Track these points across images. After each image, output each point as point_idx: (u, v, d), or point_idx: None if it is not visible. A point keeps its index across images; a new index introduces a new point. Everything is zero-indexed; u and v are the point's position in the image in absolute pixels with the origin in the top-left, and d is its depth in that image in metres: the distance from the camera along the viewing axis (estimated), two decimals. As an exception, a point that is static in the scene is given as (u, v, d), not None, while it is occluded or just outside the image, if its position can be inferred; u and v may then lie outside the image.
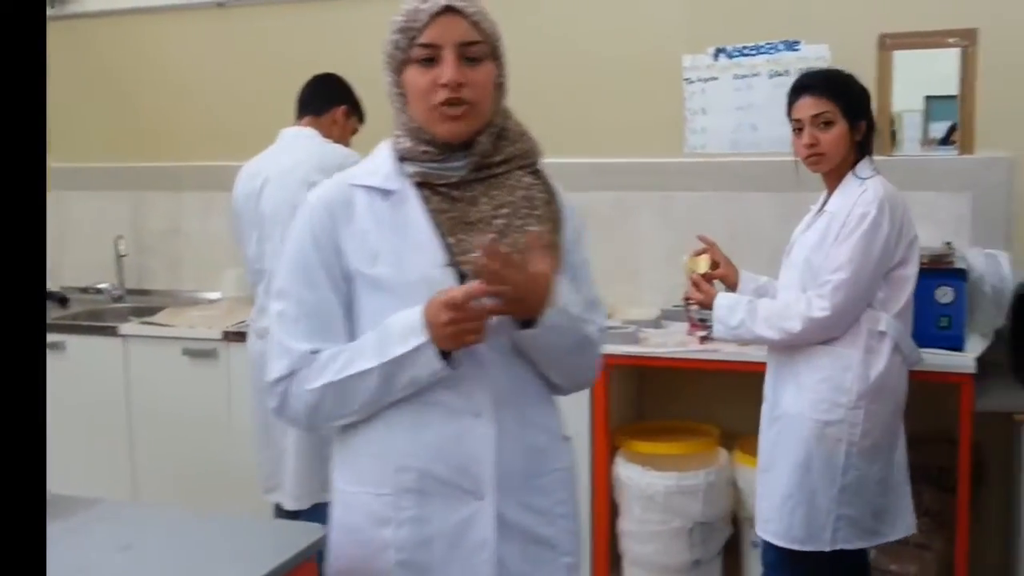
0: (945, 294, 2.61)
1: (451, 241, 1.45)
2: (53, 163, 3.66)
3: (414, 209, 1.48)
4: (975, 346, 2.66)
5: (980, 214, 2.93)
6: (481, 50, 1.46)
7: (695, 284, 2.46)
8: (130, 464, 3.45)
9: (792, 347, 2.30)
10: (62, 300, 3.88)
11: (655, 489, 2.88)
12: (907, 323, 2.31)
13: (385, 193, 1.49)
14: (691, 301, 2.53)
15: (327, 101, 2.89)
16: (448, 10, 1.44)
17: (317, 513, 2.27)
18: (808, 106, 2.29)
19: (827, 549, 2.27)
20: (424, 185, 1.48)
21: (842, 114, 2.27)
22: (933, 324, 2.56)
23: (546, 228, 1.49)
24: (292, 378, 1.48)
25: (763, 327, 2.30)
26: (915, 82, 3.01)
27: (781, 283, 2.42)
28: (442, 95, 1.43)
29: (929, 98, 3.03)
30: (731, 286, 2.49)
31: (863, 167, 2.30)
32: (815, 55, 3.06)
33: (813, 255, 2.28)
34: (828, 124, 2.27)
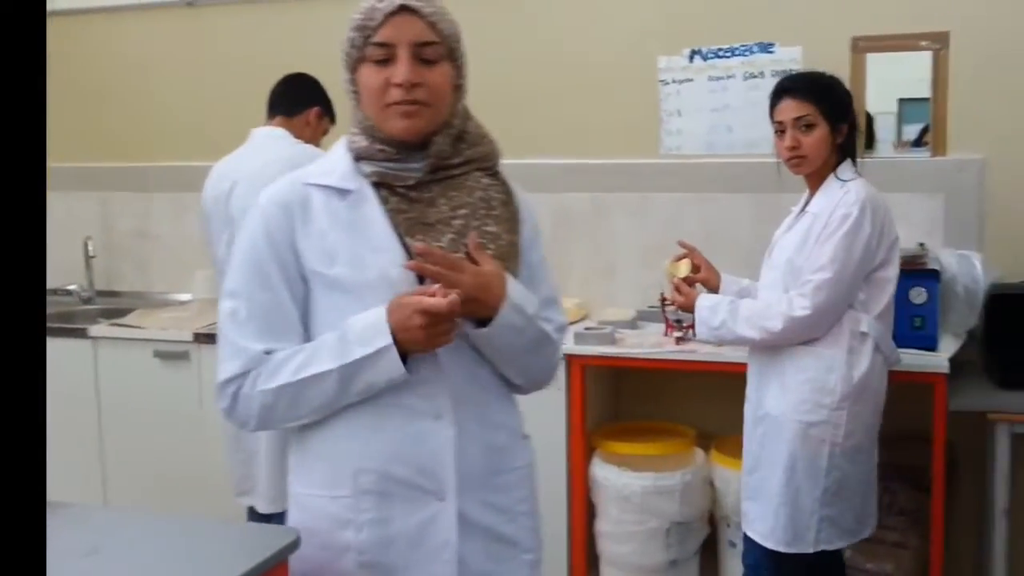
0: (919, 294, 2.63)
1: (410, 242, 1.44)
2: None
3: (372, 209, 1.46)
4: (948, 346, 2.68)
5: (953, 215, 2.95)
6: (437, 51, 1.44)
7: (676, 288, 2.47)
8: (101, 468, 3.41)
9: (774, 347, 2.31)
10: (30, 302, 3.82)
11: (632, 490, 2.88)
12: (888, 325, 2.33)
13: (342, 193, 1.47)
14: (668, 301, 2.52)
15: (300, 102, 2.86)
16: (404, 9, 1.42)
17: (290, 516, 2.24)
18: (790, 108, 2.30)
19: (810, 551, 2.29)
20: (381, 185, 1.47)
21: (824, 117, 2.28)
22: (907, 324, 2.58)
23: (503, 228, 1.49)
24: (244, 378, 1.45)
25: (744, 327, 2.31)
26: (888, 84, 3.03)
27: (762, 284, 2.43)
28: (395, 95, 1.42)
29: (902, 100, 3.06)
30: (713, 289, 2.50)
31: (844, 169, 2.31)
32: (789, 57, 3.08)
33: (795, 256, 2.29)
34: (810, 127, 2.28)
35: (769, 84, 2.81)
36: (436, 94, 1.44)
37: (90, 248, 3.88)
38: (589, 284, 3.34)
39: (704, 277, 2.52)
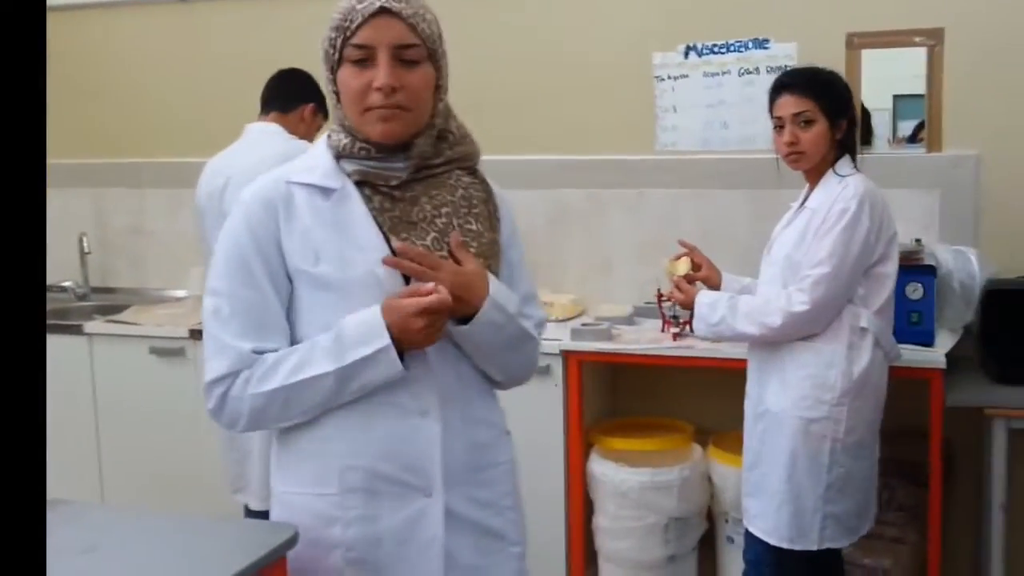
0: (915, 290, 2.63)
1: (394, 240, 1.45)
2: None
3: (356, 208, 1.47)
4: (944, 341, 2.68)
5: (948, 211, 2.96)
6: (417, 53, 1.43)
7: (676, 285, 2.47)
8: (97, 464, 3.40)
9: (774, 343, 2.31)
10: (25, 299, 3.81)
11: (629, 485, 2.88)
12: (888, 320, 2.33)
13: (325, 191, 1.47)
14: (664, 297, 2.52)
15: (295, 98, 2.86)
16: (383, 11, 1.41)
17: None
18: (789, 104, 2.30)
19: (815, 548, 2.29)
20: (364, 183, 1.47)
21: (823, 113, 2.28)
22: (904, 320, 2.59)
23: (484, 226, 1.51)
24: (233, 379, 1.44)
25: (744, 322, 2.31)
26: (883, 81, 3.03)
27: (761, 280, 2.43)
28: (375, 98, 1.41)
29: (897, 97, 3.06)
30: (714, 288, 2.51)
31: (843, 164, 2.31)
32: (784, 53, 3.08)
33: (793, 251, 2.29)
34: (808, 123, 2.28)
35: (764, 80, 2.82)
36: (415, 97, 1.44)
37: (85, 244, 3.86)
38: (585, 280, 3.34)
39: (705, 275, 2.52)
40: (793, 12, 3.09)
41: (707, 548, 3.05)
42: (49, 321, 3.53)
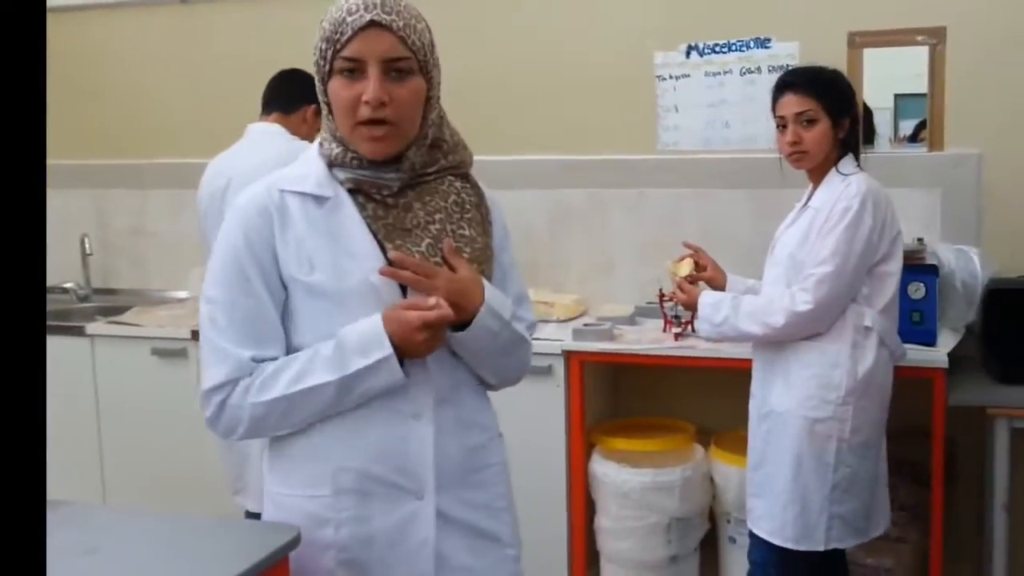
0: (917, 289, 2.63)
1: (389, 248, 1.45)
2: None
3: (350, 216, 1.47)
4: (947, 341, 2.68)
5: (950, 210, 2.96)
6: (408, 65, 1.43)
7: (679, 286, 2.47)
8: (99, 465, 3.40)
9: (778, 343, 2.30)
10: (27, 300, 3.81)
11: (631, 486, 2.88)
12: (893, 319, 2.33)
13: (318, 199, 1.47)
14: (666, 297, 2.51)
15: (297, 99, 2.85)
16: (373, 24, 1.40)
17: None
18: (791, 104, 2.29)
19: (821, 548, 2.28)
20: (357, 191, 1.47)
21: (826, 112, 2.28)
22: (906, 319, 2.58)
23: (477, 231, 1.52)
24: (232, 387, 1.44)
25: (747, 322, 2.30)
26: (884, 80, 3.03)
27: (765, 280, 2.43)
28: (365, 112, 1.41)
29: (898, 96, 3.05)
30: (719, 289, 2.50)
31: (846, 163, 2.31)
32: (785, 53, 3.07)
33: (797, 251, 2.29)
34: (811, 122, 2.28)
35: (766, 79, 2.81)
36: (405, 110, 1.43)
37: (87, 245, 3.86)
38: (587, 280, 3.34)
39: (710, 276, 2.52)
40: (795, 11, 3.09)
41: (709, 548, 3.05)
42: (51, 322, 3.53)
